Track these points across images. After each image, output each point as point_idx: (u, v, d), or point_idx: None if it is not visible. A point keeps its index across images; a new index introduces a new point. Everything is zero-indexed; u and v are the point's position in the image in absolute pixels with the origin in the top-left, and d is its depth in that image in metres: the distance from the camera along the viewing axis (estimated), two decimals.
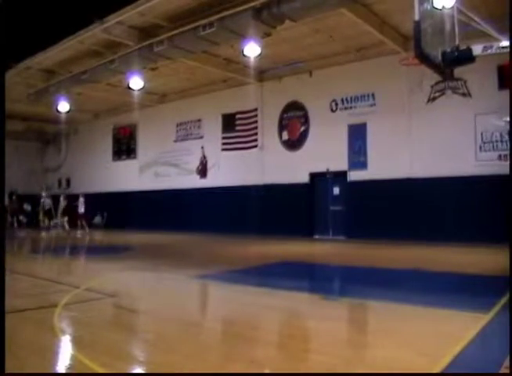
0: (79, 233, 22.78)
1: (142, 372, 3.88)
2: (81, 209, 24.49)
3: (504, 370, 3.73)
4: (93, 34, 15.08)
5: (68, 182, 29.65)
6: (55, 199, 26.00)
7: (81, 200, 24.70)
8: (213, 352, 4.62)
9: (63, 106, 21.55)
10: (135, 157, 25.57)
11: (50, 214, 26.29)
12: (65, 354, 4.67)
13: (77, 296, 7.18)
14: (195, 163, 22.27)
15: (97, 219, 25.55)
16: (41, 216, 26.83)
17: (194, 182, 22.10)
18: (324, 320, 5.68)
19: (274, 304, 6.74)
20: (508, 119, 12.77)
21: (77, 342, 4.95)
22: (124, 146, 26.19)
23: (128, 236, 20.16)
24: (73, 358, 4.42)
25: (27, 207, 27.08)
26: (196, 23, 13.56)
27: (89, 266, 11.53)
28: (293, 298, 7.05)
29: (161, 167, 23.80)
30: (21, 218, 26.67)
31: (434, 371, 3.74)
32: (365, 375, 3.89)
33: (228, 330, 5.68)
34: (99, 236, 21.48)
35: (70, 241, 19.57)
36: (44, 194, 26.91)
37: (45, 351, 4.56)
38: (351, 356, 4.40)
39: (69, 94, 20.39)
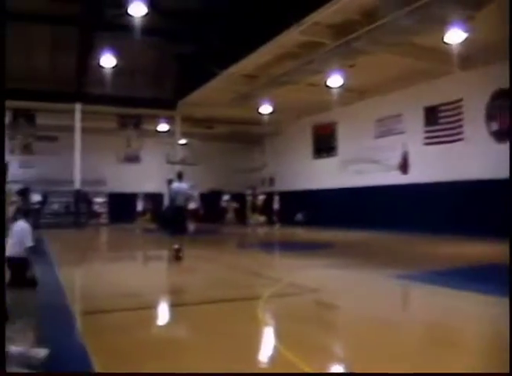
0: (275, 229, 23.80)
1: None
2: (276, 206, 25.76)
3: None
4: (291, 37, 15.49)
5: (271, 181, 31.03)
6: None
7: (276, 198, 25.95)
8: (409, 355, 4.41)
9: (265, 109, 22.68)
10: (335, 155, 25.79)
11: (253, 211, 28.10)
12: (267, 345, 4.86)
13: (279, 289, 7.44)
14: (395, 159, 21.62)
15: (299, 216, 26.27)
16: (248, 213, 28.60)
17: (395, 178, 21.44)
18: None
19: (479, 311, 6.21)
20: None
21: (278, 334, 5.11)
22: (324, 144, 26.56)
23: (326, 234, 20.35)
24: (275, 349, 4.58)
25: (234, 205, 28.88)
26: (394, 14, 13.13)
27: (288, 261, 11.87)
28: (501, 305, 6.39)
29: (361, 163, 23.56)
30: (229, 215, 28.53)
31: None
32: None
33: (426, 334, 5.35)
34: (299, 233, 22.06)
35: (270, 237, 20.53)
36: (248, 193, 28.64)
37: (248, 339, 4.79)
38: None
39: (270, 96, 21.32)
